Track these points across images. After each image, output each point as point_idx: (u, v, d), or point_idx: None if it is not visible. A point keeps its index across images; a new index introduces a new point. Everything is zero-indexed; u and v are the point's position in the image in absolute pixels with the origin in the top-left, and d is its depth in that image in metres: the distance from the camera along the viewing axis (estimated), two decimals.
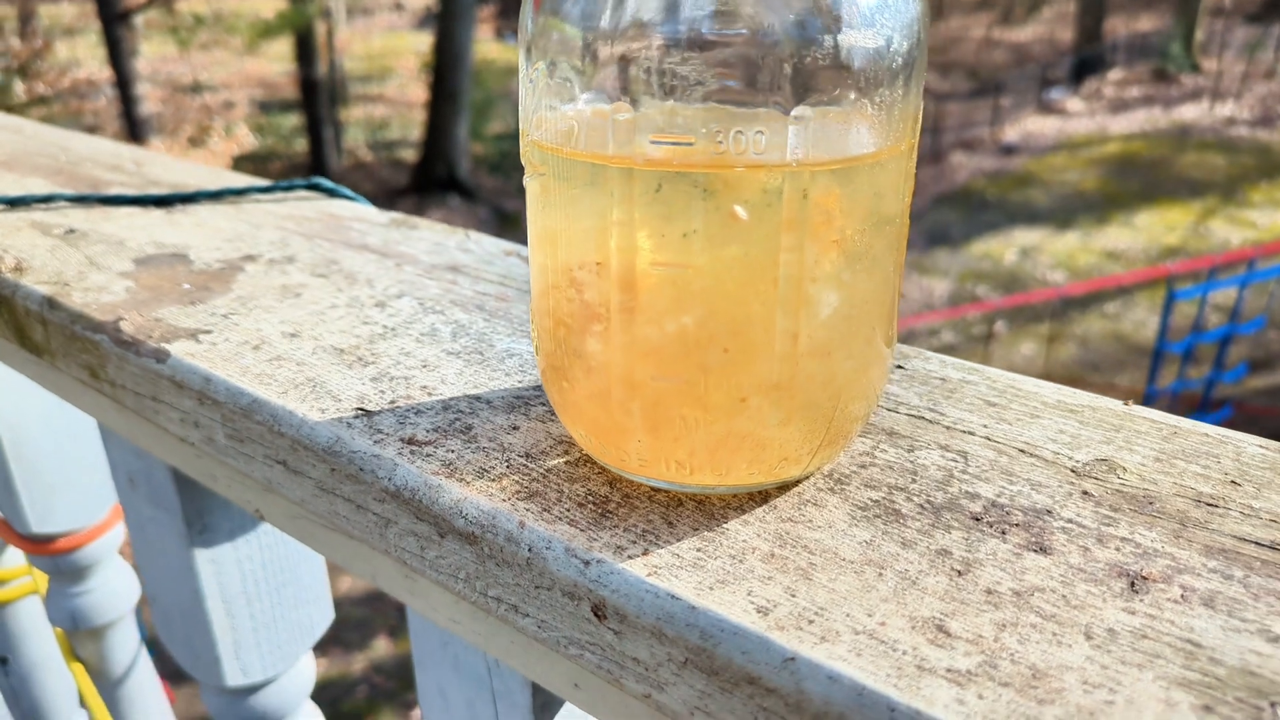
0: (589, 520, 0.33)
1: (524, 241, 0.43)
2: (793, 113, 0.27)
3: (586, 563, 0.31)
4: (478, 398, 0.41)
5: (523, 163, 0.35)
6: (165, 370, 0.45)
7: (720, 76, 0.27)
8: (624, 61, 0.28)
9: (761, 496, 0.34)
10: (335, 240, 0.61)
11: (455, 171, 9.83)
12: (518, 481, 0.35)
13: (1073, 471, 0.36)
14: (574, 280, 0.32)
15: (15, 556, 1.05)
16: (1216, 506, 0.33)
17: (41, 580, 1.07)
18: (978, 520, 0.33)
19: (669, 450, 0.33)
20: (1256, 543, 0.31)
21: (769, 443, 0.32)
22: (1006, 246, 8.47)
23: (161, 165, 0.82)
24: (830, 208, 0.29)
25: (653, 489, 0.35)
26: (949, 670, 0.26)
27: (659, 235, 0.29)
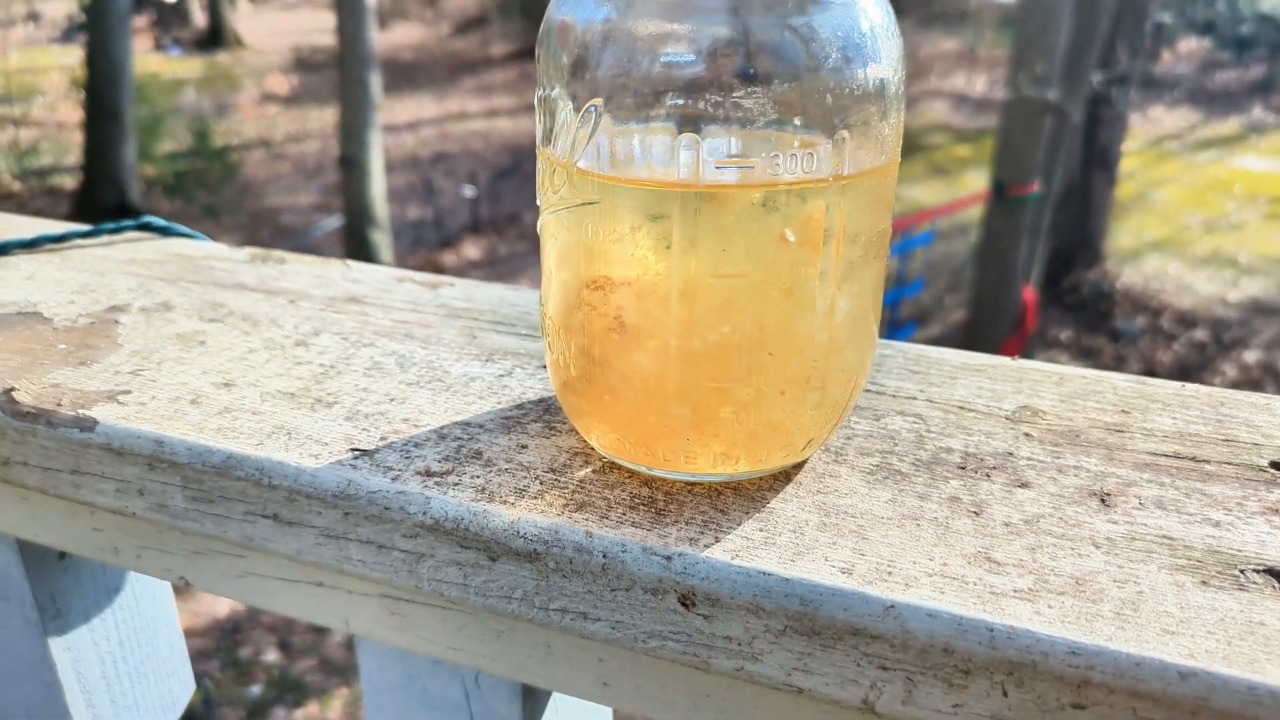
0: (650, 521, 0.35)
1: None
2: (835, 135, 0.32)
3: (668, 558, 0.34)
4: (467, 423, 0.42)
5: (543, 192, 0.36)
6: (96, 439, 0.41)
7: (776, 107, 0.31)
8: (690, 93, 0.31)
9: (785, 476, 0.38)
10: (203, 282, 0.57)
11: (125, 196, 8.93)
12: (561, 496, 0.37)
13: (1008, 419, 0.43)
14: (614, 299, 0.34)
15: None
16: (1123, 431, 0.41)
17: None
18: (963, 469, 0.39)
19: (713, 445, 0.36)
20: (1164, 455, 0.40)
21: (798, 428, 0.36)
22: None
23: None
24: (856, 217, 0.33)
25: (689, 484, 0.37)
26: (1015, 590, 0.32)
27: (719, 251, 0.32)
